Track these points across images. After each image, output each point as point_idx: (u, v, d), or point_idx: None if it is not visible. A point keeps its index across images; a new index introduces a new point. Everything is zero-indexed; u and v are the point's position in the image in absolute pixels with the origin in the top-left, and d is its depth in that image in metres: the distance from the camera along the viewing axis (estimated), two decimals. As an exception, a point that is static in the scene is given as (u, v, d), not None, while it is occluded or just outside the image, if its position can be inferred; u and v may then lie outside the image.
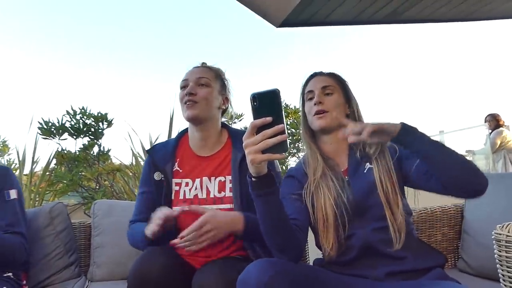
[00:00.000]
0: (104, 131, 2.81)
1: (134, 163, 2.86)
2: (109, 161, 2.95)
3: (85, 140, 2.76)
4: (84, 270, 1.79)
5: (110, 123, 2.79)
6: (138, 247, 1.25)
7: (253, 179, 0.91)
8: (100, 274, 1.69)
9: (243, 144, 0.85)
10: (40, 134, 2.59)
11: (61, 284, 1.64)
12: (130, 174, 2.84)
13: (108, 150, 2.86)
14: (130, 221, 1.35)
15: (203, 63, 1.41)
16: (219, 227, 1.05)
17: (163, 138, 3.12)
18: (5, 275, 1.37)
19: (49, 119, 2.59)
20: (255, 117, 0.84)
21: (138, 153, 2.88)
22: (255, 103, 0.83)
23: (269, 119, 0.82)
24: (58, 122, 2.64)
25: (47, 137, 2.60)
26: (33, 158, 2.77)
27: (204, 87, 1.30)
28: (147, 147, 2.97)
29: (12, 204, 1.41)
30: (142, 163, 2.90)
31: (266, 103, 0.83)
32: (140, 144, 2.94)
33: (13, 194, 1.43)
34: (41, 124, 2.57)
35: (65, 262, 1.70)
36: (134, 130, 2.98)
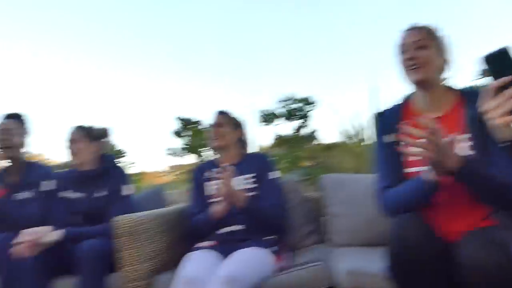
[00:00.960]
0: (310, 113, 3.00)
1: (345, 140, 2.96)
2: (317, 140, 3.14)
3: (295, 123, 3.02)
4: (321, 238, 1.95)
5: (314, 105, 2.96)
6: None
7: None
8: (339, 241, 1.82)
9: (483, 110, 0.83)
10: (262, 122, 2.97)
11: (308, 248, 1.87)
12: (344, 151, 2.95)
13: (316, 131, 3.05)
14: (377, 189, 1.35)
15: (414, 23, 1.34)
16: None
17: (366, 114, 3.10)
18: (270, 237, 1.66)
19: (267, 109, 2.94)
20: (492, 79, 0.81)
21: (345, 131, 2.96)
22: (489, 65, 0.82)
23: (508, 78, 0.79)
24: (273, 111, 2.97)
25: (267, 124, 2.96)
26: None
27: (423, 50, 1.26)
28: (349, 125, 3.01)
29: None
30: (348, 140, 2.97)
31: (500, 63, 0.81)
32: (345, 122, 3.01)
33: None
34: (263, 113, 2.95)
35: (307, 230, 1.93)
36: (337, 110, 3.07)
